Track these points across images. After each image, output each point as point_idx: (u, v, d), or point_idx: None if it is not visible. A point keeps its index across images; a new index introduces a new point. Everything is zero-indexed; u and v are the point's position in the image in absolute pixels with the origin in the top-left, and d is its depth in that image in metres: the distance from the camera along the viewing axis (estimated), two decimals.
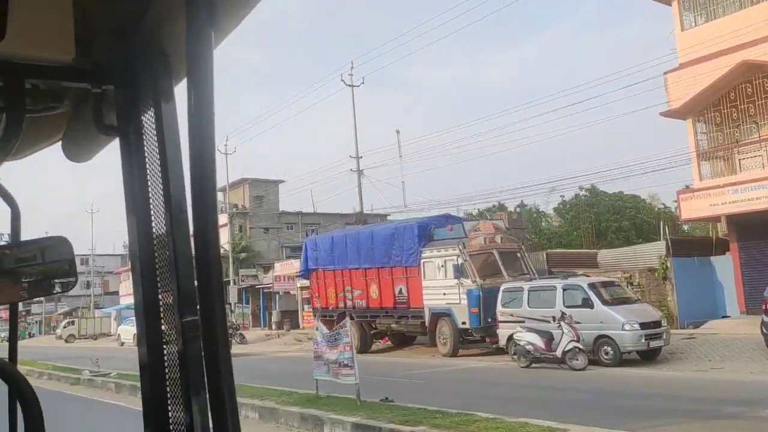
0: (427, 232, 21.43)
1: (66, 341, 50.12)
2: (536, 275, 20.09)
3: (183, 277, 0.98)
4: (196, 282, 0.91)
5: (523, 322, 16.57)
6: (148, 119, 1.07)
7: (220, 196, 57.84)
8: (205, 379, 0.90)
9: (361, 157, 35.64)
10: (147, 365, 1.08)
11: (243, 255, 52.42)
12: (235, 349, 26.72)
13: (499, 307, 17.95)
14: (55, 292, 1.41)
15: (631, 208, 44.35)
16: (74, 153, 1.51)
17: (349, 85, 34.94)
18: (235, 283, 43.22)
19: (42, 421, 1.04)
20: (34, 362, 23.30)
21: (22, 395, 1.04)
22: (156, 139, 1.04)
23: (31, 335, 66.14)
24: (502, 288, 18.26)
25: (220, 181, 64.86)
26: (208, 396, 0.90)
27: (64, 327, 54.62)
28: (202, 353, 0.91)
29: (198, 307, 0.93)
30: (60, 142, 1.50)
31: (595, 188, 42.38)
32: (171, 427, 1.03)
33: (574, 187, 45.27)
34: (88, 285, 68.41)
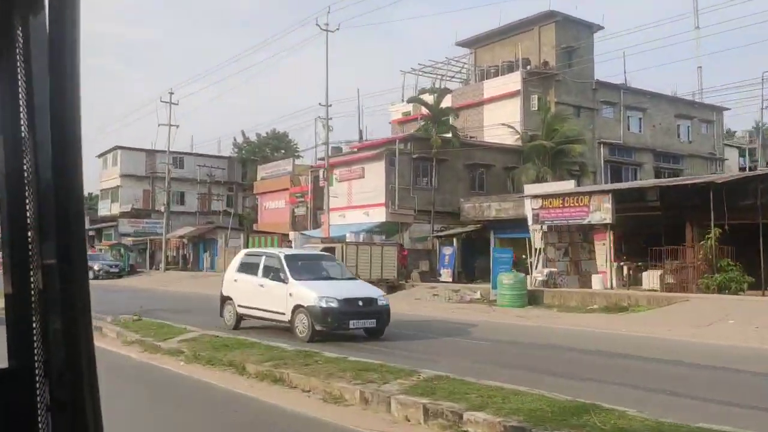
0: None
1: None
2: None
3: (45, 211, 0.97)
4: (55, 216, 0.94)
5: None
6: (18, 45, 0.99)
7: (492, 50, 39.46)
8: (62, 313, 0.93)
9: None
10: (12, 297, 1.07)
11: (562, 147, 30.37)
12: None
13: None
14: None
15: None
16: None
17: None
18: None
19: None
20: None
21: None
22: (24, 70, 0.98)
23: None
24: None
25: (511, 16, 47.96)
26: (66, 328, 0.93)
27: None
28: (60, 287, 0.94)
29: (57, 242, 0.95)
30: None
31: None
32: (35, 360, 1.03)
33: None
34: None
